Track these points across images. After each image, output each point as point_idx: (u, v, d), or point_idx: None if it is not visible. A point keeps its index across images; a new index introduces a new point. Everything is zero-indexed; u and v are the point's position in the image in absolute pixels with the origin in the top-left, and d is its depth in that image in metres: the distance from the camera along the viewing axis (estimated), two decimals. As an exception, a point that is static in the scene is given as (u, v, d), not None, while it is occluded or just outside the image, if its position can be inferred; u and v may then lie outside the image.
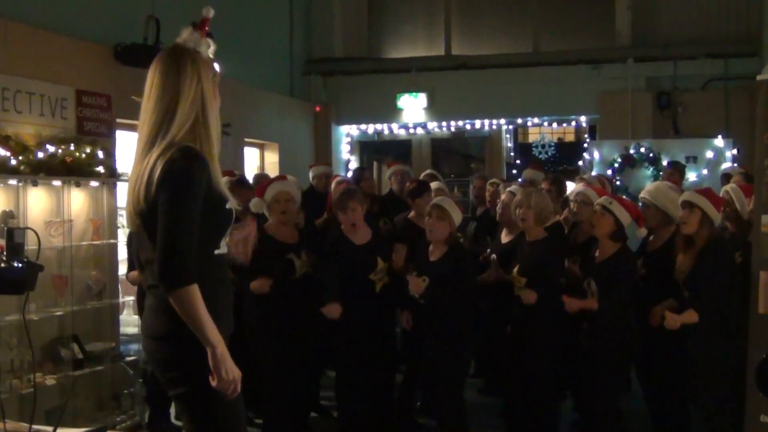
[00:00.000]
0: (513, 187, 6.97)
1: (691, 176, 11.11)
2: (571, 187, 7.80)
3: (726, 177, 8.44)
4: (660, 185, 6.37)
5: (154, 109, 3.13)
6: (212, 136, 3.18)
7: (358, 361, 6.10)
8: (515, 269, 5.87)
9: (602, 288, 5.50)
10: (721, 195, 5.88)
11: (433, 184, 7.57)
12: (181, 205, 2.98)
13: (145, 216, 3.06)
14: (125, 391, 7.08)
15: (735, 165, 10.55)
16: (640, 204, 6.18)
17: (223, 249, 3.23)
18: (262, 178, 8.35)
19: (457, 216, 6.00)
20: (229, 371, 2.97)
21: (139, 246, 3.23)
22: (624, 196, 7.18)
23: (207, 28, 3.30)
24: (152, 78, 3.17)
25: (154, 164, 3.03)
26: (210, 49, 3.27)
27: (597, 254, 5.66)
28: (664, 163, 10.95)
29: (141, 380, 6.72)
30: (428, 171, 9.01)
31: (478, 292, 6.24)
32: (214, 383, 2.95)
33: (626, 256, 5.67)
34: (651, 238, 6.11)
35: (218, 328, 3.03)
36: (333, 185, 7.74)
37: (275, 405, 6.11)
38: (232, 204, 3.23)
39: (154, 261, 3.02)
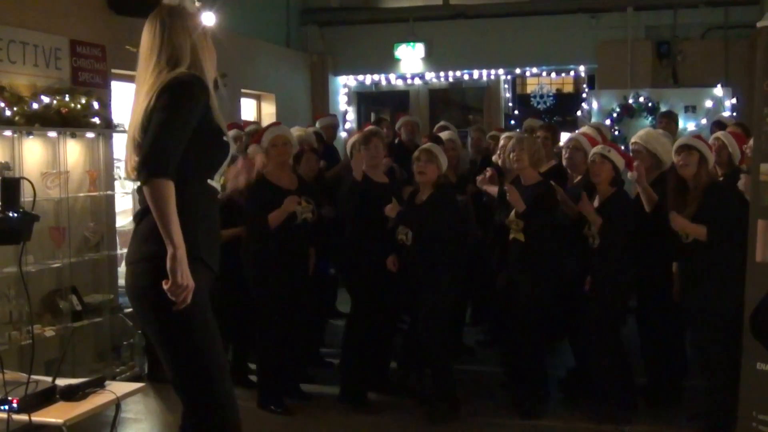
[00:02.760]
0: (510, 133, 7.10)
1: (690, 126, 11.08)
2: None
3: (718, 124, 8.43)
4: (651, 131, 6.51)
5: (146, 66, 3.19)
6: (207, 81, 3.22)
7: (371, 301, 6.15)
8: (511, 213, 5.91)
9: (602, 229, 5.61)
10: (711, 141, 5.98)
11: (445, 134, 7.66)
12: (176, 111, 3.04)
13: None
14: (124, 343, 7.11)
15: (733, 114, 10.47)
16: (630, 147, 6.26)
17: (216, 183, 3.26)
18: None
19: (443, 160, 6.07)
20: (184, 276, 2.99)
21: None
22: (622, 146, 7.23)
23: None
24: (143, 40, 3.25)
25: (149, 101, 3.08)
26: (195, 4, 3.33)
27: (597, 200, 5.74)
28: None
29: (140, 332, 6.74)
30: (441, 123, 9.07)
31: (463, 231, 6.29)
32: (166, 286, 2.97)
33: (624, 197, 5.81)
34: None
35: (203, 261, 3.13)
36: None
37: (270, 355, 6.12)
38: (228, 139, 3.28)
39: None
